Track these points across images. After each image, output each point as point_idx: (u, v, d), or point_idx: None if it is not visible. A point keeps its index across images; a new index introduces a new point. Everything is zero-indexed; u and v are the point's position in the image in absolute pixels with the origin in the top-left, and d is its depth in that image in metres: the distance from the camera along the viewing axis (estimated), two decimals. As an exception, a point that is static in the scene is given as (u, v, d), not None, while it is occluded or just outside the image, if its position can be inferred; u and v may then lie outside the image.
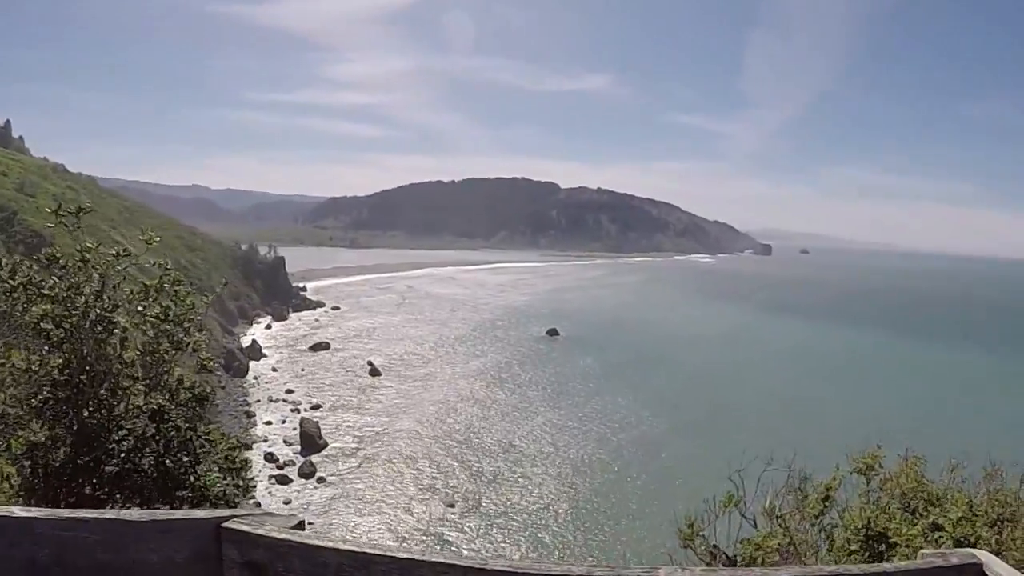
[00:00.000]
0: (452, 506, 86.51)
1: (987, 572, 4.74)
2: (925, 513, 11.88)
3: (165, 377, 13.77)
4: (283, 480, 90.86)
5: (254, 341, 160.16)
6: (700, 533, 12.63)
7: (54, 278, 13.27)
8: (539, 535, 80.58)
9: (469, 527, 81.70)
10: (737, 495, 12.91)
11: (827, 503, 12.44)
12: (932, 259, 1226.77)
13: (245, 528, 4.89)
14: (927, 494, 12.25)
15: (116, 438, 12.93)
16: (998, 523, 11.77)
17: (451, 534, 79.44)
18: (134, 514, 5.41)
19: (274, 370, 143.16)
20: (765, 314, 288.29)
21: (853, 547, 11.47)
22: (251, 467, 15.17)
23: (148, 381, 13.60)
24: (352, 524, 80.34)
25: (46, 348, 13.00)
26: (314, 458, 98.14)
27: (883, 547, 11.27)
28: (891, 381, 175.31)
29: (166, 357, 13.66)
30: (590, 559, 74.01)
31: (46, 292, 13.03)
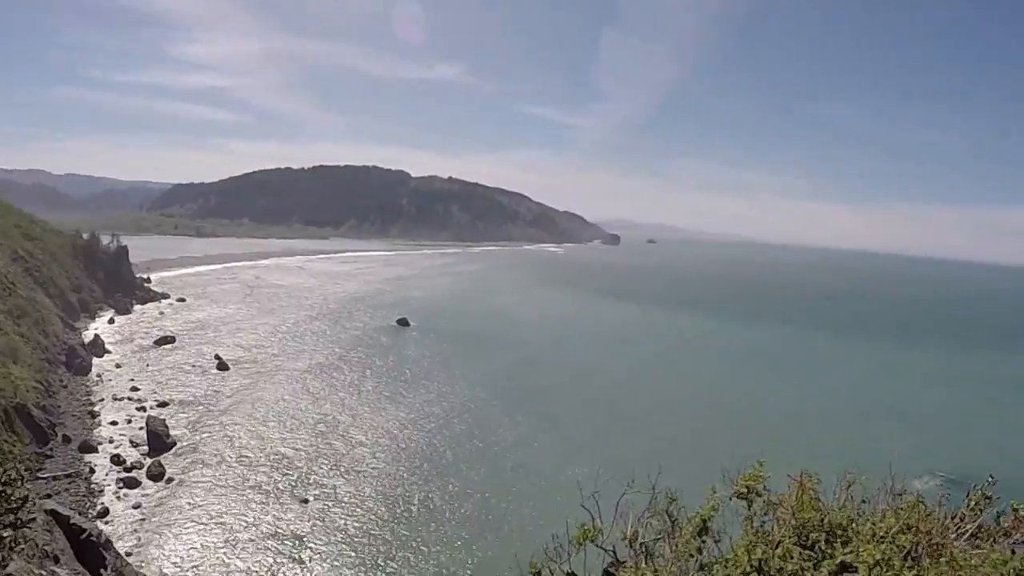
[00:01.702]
0: (306, 501, 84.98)
1: None
2: (829, 550, 10.14)
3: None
4: (131, 483, 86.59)
5: (97, 336, 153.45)
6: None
7: None
8: (395, 529, 79.96)
9: (324, 522, 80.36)
10: (594, 526, 11.75)
11: (704, 537, 11.27)
12: (771, 249, 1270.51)
13: None
14: (828, 524, 10.58)
15: None
16: (914, 555, 10.13)
17: (305, 530, 78.03)
18: None
19: (118, 366, 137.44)
20: (607, 300, 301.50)
21: (738, 590, 10.27)
22: (30, 506, 13.18)
23: None
24: (205, 526, 77.80)
25: None
26: (163, 458, 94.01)
27: (776, 594, 9.98)
28: (735, 367, 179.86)
29: None
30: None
31: None
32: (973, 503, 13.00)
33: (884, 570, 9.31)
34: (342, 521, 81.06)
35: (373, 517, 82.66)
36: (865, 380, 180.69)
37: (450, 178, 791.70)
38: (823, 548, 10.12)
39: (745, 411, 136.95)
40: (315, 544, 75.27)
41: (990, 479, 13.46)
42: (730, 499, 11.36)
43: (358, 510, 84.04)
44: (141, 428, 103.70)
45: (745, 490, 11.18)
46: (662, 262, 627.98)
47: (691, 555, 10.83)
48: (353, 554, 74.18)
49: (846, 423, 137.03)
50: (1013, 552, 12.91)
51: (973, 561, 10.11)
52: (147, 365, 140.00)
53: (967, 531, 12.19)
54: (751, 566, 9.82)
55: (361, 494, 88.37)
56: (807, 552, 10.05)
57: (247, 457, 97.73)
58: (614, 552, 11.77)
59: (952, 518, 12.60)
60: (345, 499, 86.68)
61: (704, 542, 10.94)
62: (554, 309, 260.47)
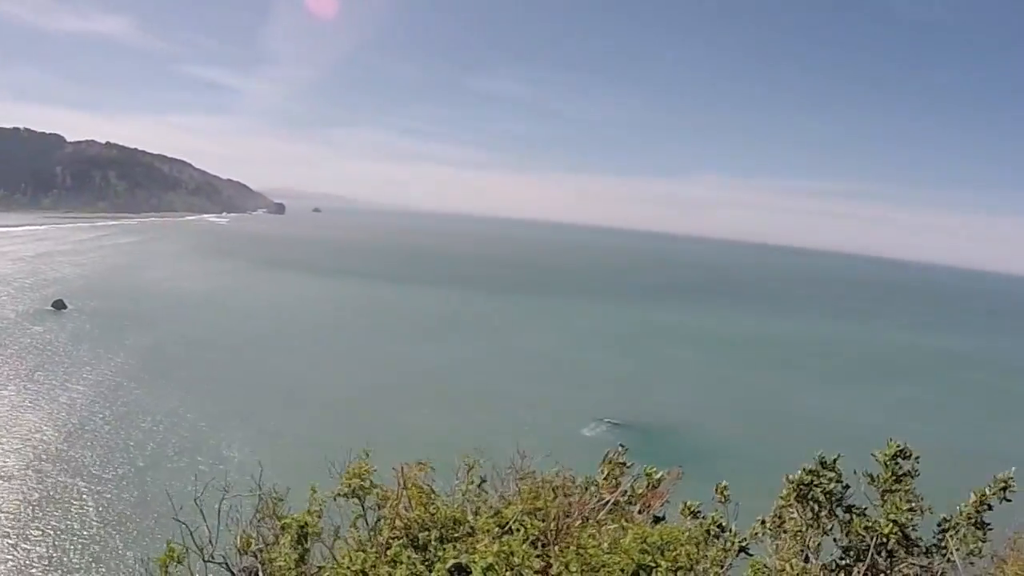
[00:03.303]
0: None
1: None
2: (440, 549, 9.07)
3: None
4: None
5: None
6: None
7: None
8: (59, 535, 77.96)
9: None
10: (194, 538, 10.25)
11: (306, 542, 9.89)
12: (439, 219, 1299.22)
13: None
14: (441, 520, 9.49)
15: None
16: (543, 542, 9.36)
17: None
18: None
19: None
20: (267, 271, 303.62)
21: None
22: None
23: None
24: None
25: None
26: None
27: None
28: (396, 334, 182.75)
29: None
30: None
31: None
32: (606, 472, 12.70)
33: (504, 568, 8.29)
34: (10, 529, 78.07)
35: (37, 522, 80.00)
36: (534, 339, 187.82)
37: (108, 143, 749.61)
38: (434, 548, 9.00)
39: (399, 381, 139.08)
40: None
41: (621, 447, 13.24)
42: (334, 498, 10.17)
43: (21, 517, 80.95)
44: None
45: (348, 488, 9.99)
46: (326, 232, 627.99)
47: (290, 568, 9.54)
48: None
49: (504, 384, 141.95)
50: (658, 520, 12.67)
51: (604, 544, 9.38)
52: None
53: (605, 503, 11.83)
54: (354, 570, 8.63)
55: (22, 500, 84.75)
56: (416, 554, 8.92)
57: None
58: (226, 563, 10.39)
59: (589, 487, 12.22)
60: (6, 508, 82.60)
61: (307, 550, 9.67)
62: (213, 282, 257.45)
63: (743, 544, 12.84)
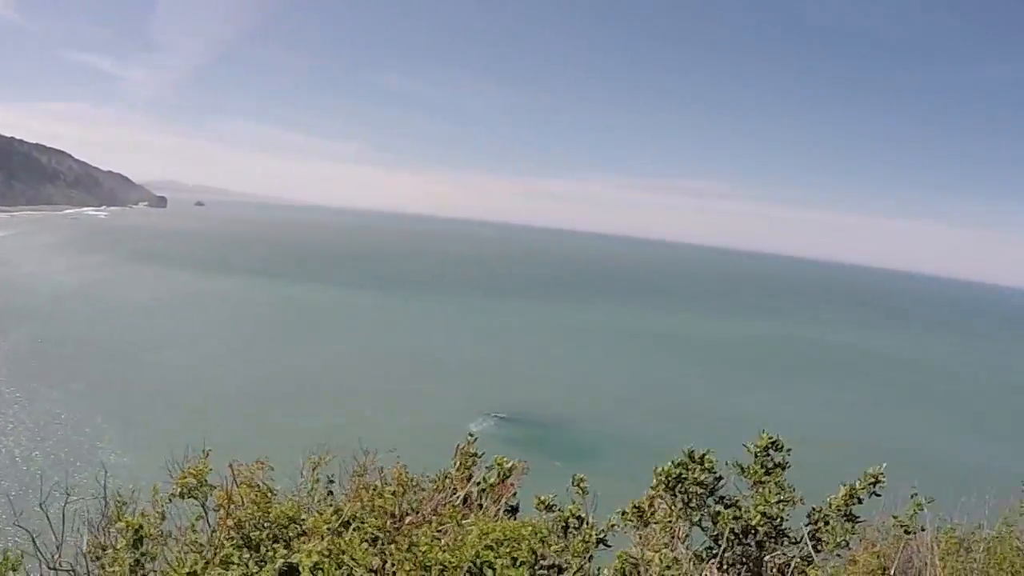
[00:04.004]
0: None
1: None
2: (272, 549, 8.88)
3: None
4: None
5: None
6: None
7: None
8: None
9: None
10: (37, 548, 9.95)
11: (142, 546, 9.45)
12: (320, 212, 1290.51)
13: None
14: (275, 519, 9.27)
15: None
16: (384, 540, 9.18)
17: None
18: None
19: None
20: (145, 266, 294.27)
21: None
22: None
23: None
24: None
25: None
26: None
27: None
28: (279, 329, 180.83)
29: None
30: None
31: None
32: (459, 464, 12.75)
33: (334, 568, 8.22)
34: None
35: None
36: (422, 335, 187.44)
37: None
38: (269, 548, 8.85)
39: (278, 379, 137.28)
40: None
41: (470, 437, 13.28)
42: (170, 499, 9.93)
43: None
44: None
45: (184, 488, 9.77)
46: (208, 226, 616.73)
47: (125, 573, 9.31)
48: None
49: (389, 381, 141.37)
50: (514, 510, 12.77)
51: (444, 541, 9.37)
52: None
53: (456, 496, 11.87)
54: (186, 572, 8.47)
55: None
56: (250, 553, 8.78)
57: None
58: (74, 571, 10.10)
59: (444, 481, 12.29)
60: None
61: (144, 553, 9.44)
62: (88, 276, 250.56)
63: (600, 536, 12.83)
